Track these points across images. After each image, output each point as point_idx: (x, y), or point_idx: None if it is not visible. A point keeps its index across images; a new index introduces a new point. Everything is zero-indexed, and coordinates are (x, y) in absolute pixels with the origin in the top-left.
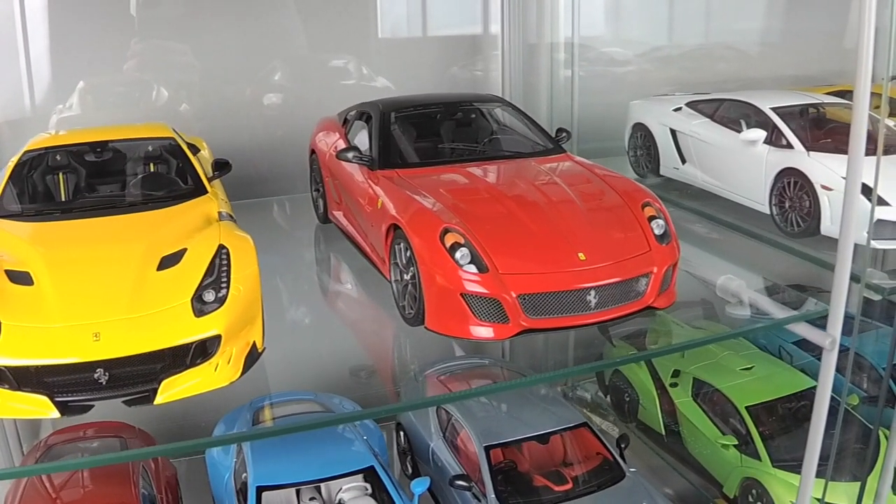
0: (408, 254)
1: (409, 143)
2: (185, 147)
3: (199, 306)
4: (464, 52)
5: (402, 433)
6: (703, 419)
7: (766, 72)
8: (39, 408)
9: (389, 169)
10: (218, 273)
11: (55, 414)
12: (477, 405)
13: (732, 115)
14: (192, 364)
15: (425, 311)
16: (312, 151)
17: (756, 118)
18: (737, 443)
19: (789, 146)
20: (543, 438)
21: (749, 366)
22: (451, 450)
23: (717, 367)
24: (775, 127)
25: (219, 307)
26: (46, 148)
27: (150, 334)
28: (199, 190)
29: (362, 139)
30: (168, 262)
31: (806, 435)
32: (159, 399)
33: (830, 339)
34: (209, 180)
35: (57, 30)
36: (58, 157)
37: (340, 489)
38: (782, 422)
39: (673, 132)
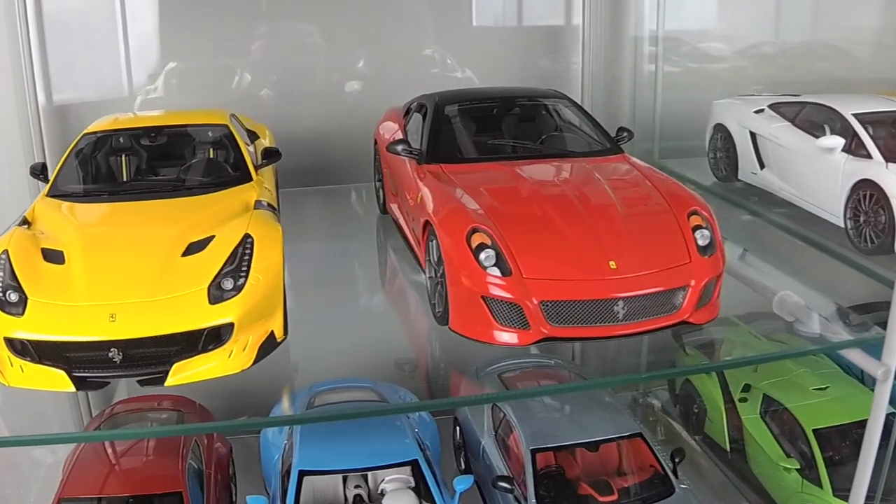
0: (438, 251)
1: (460, 138)
2: (236, 134)
3: (217, 293)
4: (547, 43)
5: (458, 428)
6: (768, 438)
7: (869, 74)
8: (57, 381)
9: (436, 164)
10: (239, 262)
11: (71, 389)
12: (532, 406)
13: (814, 119)
14: (205, 350)
15: (450, 312)
16: (375, 142)
17: (837, 124)
18: (799, 467)
19: (868, 156)
20: (593, 446)
21: (824, 386)
22: (501, 449)
23: (790, 385)
24: (855, 134)
25: (235, 295)
26: (104, 131)
27: (164, 318)
28: (245, 177)
29: (417, 131)
30: (194, 248)
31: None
32: (170, 381)
33: (884, 369)
34: (257, 168)
35: (155, 13)
36: (114, 141)
37: (383, 480)
38: (851, 449)
39: (753, 135)
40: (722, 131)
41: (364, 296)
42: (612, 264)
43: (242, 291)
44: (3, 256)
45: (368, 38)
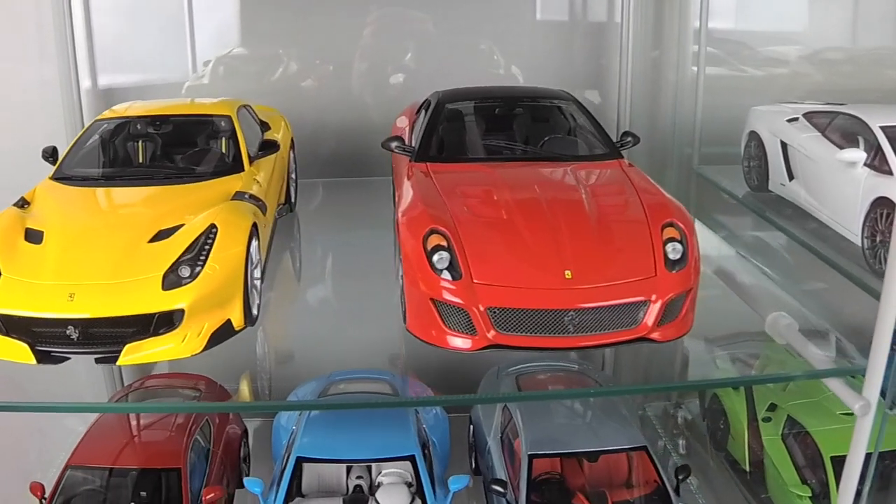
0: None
1: (452, 138)
2: (237, 125)
3: (173, 280)
4: (589, 40)
5: (471, 427)
6: (786, 462)
7: None
8: (21, 354)
9: (425, 162)
10: (199, 250)
11: (33, 361)
12: (540, 411)
13: (843, 130)
14: (156, 333)
15: (406, 313)
16: None
17: (864, 136)
18: (811, 494)
19: (890, 172)
20: (593, 456)
21: (850, 411)
22: (504, 451)
23: (816, 407)
24: (879, 148)
25: (190, 283)
26: (113, 118)
27: (119, 301)
28: (237, 168)
29: (421, 128)
30: (163, 235)
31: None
32: (122, 360)
33: (862, 403)
34: (251, 160)
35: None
36: (120, 129)
37: (381, 472)
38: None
39: (784, 145)
40: (755, 139)
41: (363, 288)
42: (568, 274)
43: (197, 279)
44: None
45: (419, 30)
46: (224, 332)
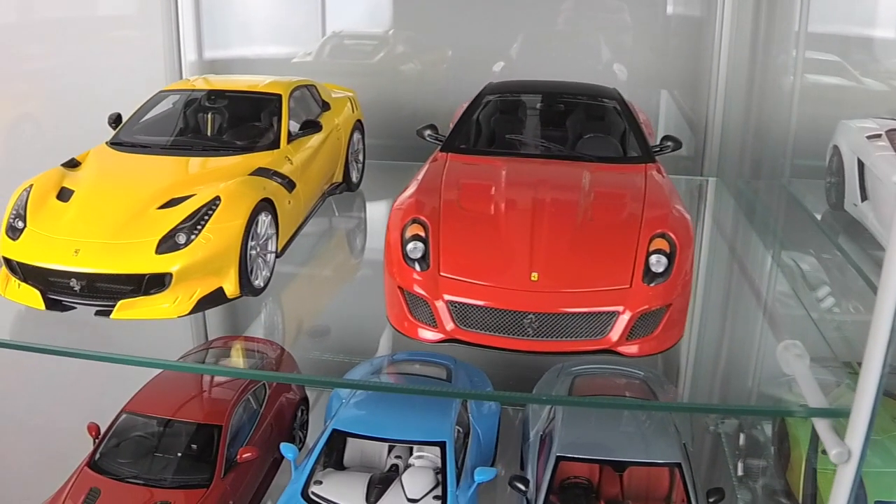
0: None
1: (483, 130)
2: (284, 105)
3: (169, 245)
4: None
5: (525, 421)
6: None
7: None
8: (34, 300)
9: (450, 152)
10: (198, 220)
11: (42, 307)
12: (582, 413)
13: None
14: (147, 293)
15: (386, 301)
16: None
17: None
18: None
19: None
20: (620, 466)
21: None
22: (541, 450)
23: (879, 446)
24: None
25: (182, 249)
26: (174, 91)
27: (115, 259)
28: (273, 145)
29: None
30: (173, 202)
31: None
32: (115, 314)
33: (839, 450)
34: (291, 138)
35: None
36: (179, 101)
37: (413, 455)
38: None
39: (860, 163)
40: (837, 155)
41: None
42: (534, 276)
43: (189, 246)
44: (28, 189)
45: (531, 19)
46: (214, 299)
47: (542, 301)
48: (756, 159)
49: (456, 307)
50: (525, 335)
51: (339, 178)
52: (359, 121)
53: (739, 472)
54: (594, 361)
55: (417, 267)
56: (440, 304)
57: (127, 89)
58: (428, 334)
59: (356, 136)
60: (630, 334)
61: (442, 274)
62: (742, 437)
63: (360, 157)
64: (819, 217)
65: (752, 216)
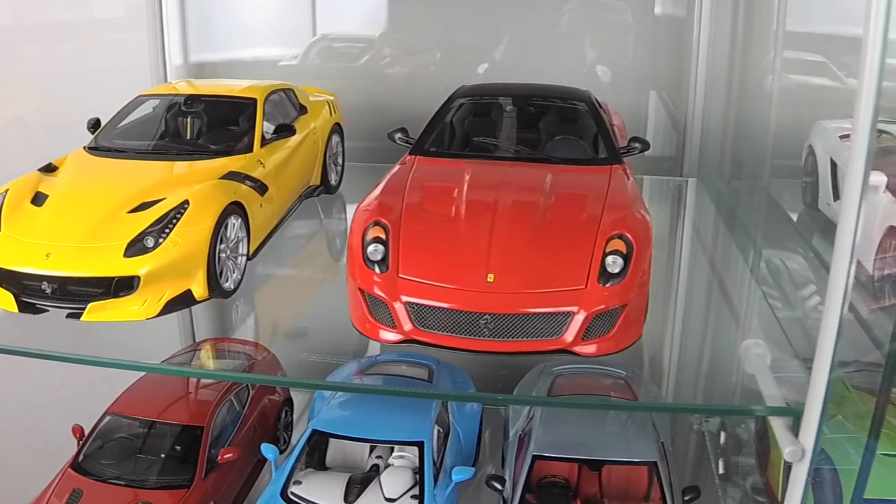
0: None
1: (452, 133)
2: (259, 109)
3: (137, 248)
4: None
5: (506, 420)
6: (810, 498)
7: None
8: (7, 302)
9: (417, 155)
10: (166, 223)
11: (15, 310)
12: (560, 412)
13: (886, 151)
14: (117, 295)
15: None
16: None
17: None
18: None
19: None
20: (596, 465)
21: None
22: (518, 449)
23: (856, 444)
24: None
25: (150, 252)
26: (152, 95)
27: (84, 262)
28: (246, 149)
29: None
30: (144, 206)
31: None
32: (86, 317)
33: (793, 448)
34: (264, 142)
35: None
36: (156, 105)
37: (392, 455)
38: None
39: (833, 162)
40: (811, 155)
41: None
42: (490, 277)
43: (157, 250)
44: (3, 194)
45: (515, 20)
46: (182, 301)
47: (498, 302)
48: (736, 160)
49: (414, 308)
50: (481, 335)
51: (316, 181)
52: (337, 124)
53: (720, 471)
54: (575, 361)
55: (377, 269)
56: (398, 306)
57: (114, 93)
58: (387, 335)
59: (335, 139)
60: (586, 334)
61: (401, 276)
62: (723, 435)
63: (340, 160)
64: (795, 217)
65: (731, 217)
